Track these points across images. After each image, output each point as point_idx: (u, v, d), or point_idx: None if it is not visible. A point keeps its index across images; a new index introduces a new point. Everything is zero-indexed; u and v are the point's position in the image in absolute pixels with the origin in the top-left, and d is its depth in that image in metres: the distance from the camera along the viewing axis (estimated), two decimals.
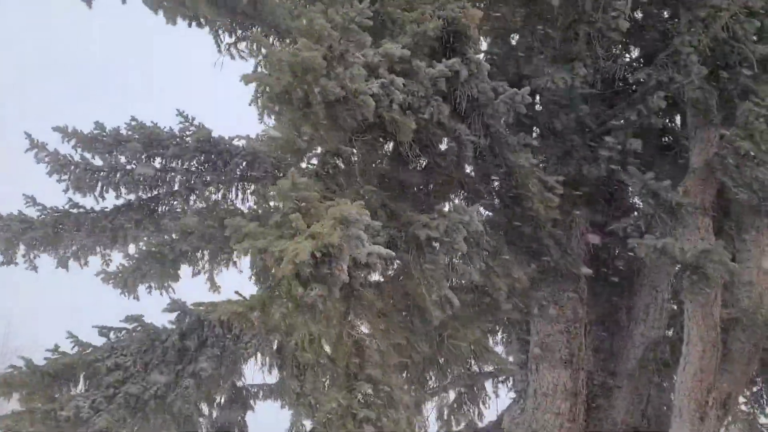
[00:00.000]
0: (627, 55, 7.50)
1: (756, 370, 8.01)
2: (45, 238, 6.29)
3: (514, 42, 7.91)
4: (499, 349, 8.78)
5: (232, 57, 5.60)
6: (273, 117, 5.66)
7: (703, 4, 6.04)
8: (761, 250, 6.64)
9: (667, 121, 7.60)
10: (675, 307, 7.69)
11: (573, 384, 7.09)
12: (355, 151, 6.22)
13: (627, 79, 6.87)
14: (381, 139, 6.24)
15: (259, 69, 5.63)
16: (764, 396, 8.53)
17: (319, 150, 6.45)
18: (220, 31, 5.54)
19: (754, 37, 6.05)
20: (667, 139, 7.64)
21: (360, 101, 4.75)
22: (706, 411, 6.45)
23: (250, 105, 5.25)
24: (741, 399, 8.36)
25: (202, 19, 5.30)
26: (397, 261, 6.16)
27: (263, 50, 4.55)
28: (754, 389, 8.58)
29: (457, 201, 8.66)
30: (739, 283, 6.63)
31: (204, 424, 7.03)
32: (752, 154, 6.20)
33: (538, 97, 7.36)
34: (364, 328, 5.66)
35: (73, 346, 5.98)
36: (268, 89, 4.61)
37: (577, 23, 6.47)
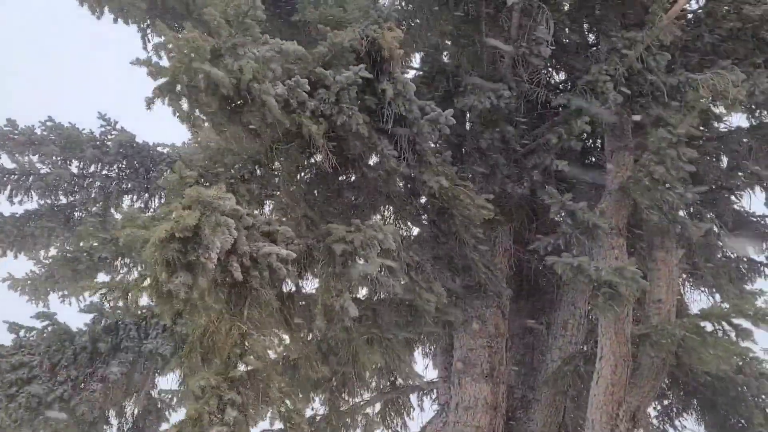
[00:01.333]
0: (551, 79, 7.76)
1: (667, 384, 8.43)
2: None
3: (445, 59, 8.10)
4: (425, 362, 8.89)
5: (159, 57, 5.47)
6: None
7: (619, 36, 6.32)
8: (669, 269, 6.97)
9: (590, 143, 7.90)
10: (588, 323, 7.94)
11: (493, 397, 7.23)
12: (278, 161, 6.22)
13: (548, 102, 7.10)
14: (304, 151, 6.22)
15: None
16: (674, 409, 8.92)
17: None
18: (149, 30, 5.40)
19: (665, 69, 6.36)
20: (589, 160, 7.94)
21: (261, 101, 4.72)
22: (616, 423, 6.70)
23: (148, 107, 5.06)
24: (652, 413, 8.76)
25: (129, 18, 5.14)
26: (316, 269, 6.18)
27: (162, 39, 4.42)
28: (665, 402, 8.97)
29: (386, 214, 8.81)
30: (650, 300, 6.94)
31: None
32: (663, 178, 6.51)
33: (468, 116, 7.55)
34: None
35: None
36: (157, 77, 4.53)
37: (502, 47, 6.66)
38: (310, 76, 5.67)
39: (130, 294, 4.49)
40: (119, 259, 7.26)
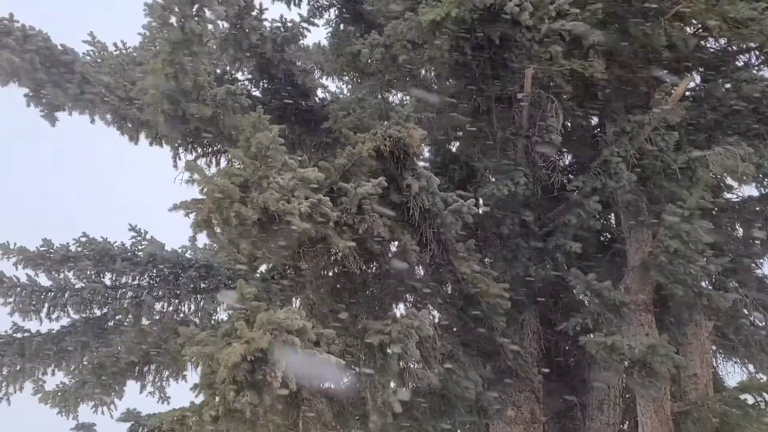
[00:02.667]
0: (561, 162, 8.02)
1: None
2: None
3: (454, 149, 8.42)
4: None
5: (191, 178, 5.76)
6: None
7: (627, 119, 6.62)
8: (701, 342, 6.96)
9: (604, 221, 8.05)
10: (626, 404, 7.82)
11: None
12: (302, 263, 6.39)
13: (563, 184, 7.32)
14: (327, 251, 6.39)
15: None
16: None
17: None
18: (180, 149, 5.70)
19: (674, 147, 6.62)
20: (604, 237, 8.07)
21: (286, 221, 4.96)
22: None
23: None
24: None
25: (162, 138, 5.47)
26: (355, 368, 6.18)
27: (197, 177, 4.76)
28: None
29: (407, 304, 8.86)
30: (685, 375, 6.88)
31: None
32: (682, 252, 6.62)
33: (482, 202, 7.75)
34: None
35: None
36: (195, 215, 4.81)
37: (515, 137, 6.95)
38: (333, 185, 5.96)
39: (195, 418, 4.47)
40: (147, 366, 7.28)
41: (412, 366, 6.30)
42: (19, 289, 6.24)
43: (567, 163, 8.14)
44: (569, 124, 7.91)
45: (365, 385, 5.56)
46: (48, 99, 5.89)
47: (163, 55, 5.02)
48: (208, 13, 4.98)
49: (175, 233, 7.07)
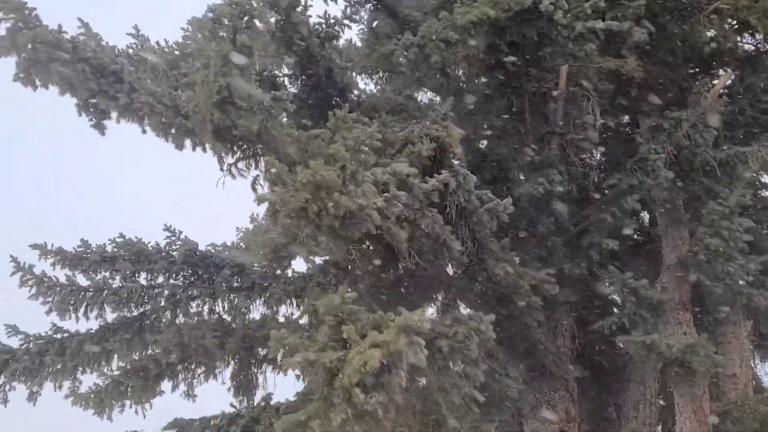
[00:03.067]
0: (595, 160, 7.96)
1: None
2: (27, 368, 6.03)
3: (485, 148, 8.38)
4: None
5: (233, 177, 5.78)
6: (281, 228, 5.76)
7: (664, 116, 6.55)
8: (740, 342, 6.88)
9: (638, 219, 7.98)
10: (663, 403, 7.75)
11: None
12: (353, 259, 6.38)
13: (598, 182, 7.26)
14: (374, 248, 6.38)
15: (258, 186, 5.84)
16: None
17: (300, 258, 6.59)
18: (223, 154, 5.74)
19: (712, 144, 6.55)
20: (640, 236, 8.00)
21: (365, 215, 4.94)
22: None
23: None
24: None
25: (207, 145, 5.51)
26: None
27: (272, 170, 4.75)
28: None
29: (440, 302, 8.84)
30: (724, 375, 6.80)
31: None
32: (722, 250, 6.54)
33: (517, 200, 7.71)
34: None
35: None
36: (284, 207, 4.77)
37: (549, 135, 6.90)
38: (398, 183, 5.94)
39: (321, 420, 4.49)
40: (185, 363, 7.30)
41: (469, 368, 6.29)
42: (58, 288, 6.31)
43: (601, 161, 8.07)
44: (604, 122, 7.83)
45: (433, 390, 5.52)
46: (99, 108, 5.93)
47: (215, 68, 5.02)
48: (258, 24, 4.98)
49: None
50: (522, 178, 7.33)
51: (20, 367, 6.02)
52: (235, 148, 5.58)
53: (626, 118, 8.38)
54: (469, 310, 7.79)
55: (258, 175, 5.86)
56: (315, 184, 4.60)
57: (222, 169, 5.70)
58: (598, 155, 8.14)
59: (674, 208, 7.10)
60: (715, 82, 6.54)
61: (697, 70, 7.25)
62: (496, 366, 6.36)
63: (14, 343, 6.23)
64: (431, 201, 5.83)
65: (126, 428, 6.65)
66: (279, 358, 4.44)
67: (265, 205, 4.94)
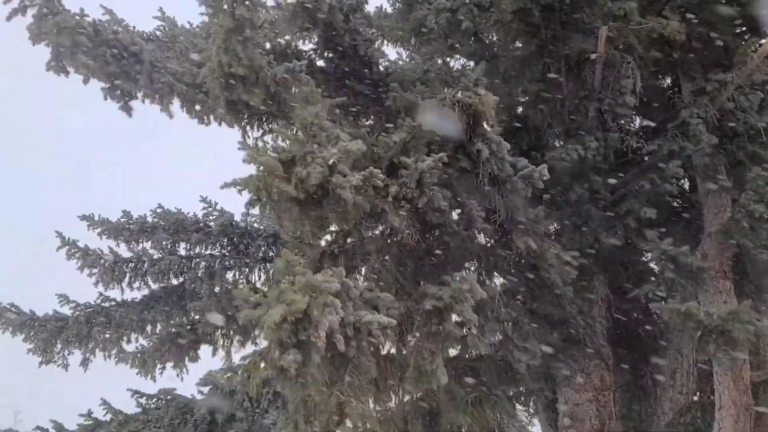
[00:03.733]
0: (633, 125, 7.74)
1: None
2: (79, 335, 6.31)
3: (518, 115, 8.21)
4: (526, 419, 8.66)
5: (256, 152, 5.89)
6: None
7: (707, 79, 6.31)
8: None
9: (679, 186, 7.77)
10: (701, 372, 7.64)
11: None
12: (364, 234, 6.43)
13: (636, 148, 7.06)
14: (387, 223, 6.39)
15: None
16: None
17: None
18: (248, 128, 5.81)
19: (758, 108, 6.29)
20: (678, 204, 7.80)
21: (339, 197, 5.00)
22: None
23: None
24: None
25: (233, 123, 5.60)
26: (417, 334, 6.24)
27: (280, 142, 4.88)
28: None
29: (473, 272, 8.82)
30: (765, 344, 6.66)
31: None
32: (766, 216, 6.34)
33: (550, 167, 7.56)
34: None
35: (106, 413, 6.01)
36: (247, 192, 4.92)
37: (586, 100, 6.72)
38: (394, 160, 5.93)
39: (247, 373, 4.70)
40: (219, 331, 7.51)
41: (473, 332, 6.34)
42: (103, 260, 6.51)
43: (640, 126, 7.84)
44: (644, 86, 7.58)
45: (413, 352, 5.62)
46: (122, 90, 6.03)
47: (218, 42, 5.10)
48: None
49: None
50: (558, 146, 7.18)
51: (72, 334, 6.31)
52: (259, 123, 5.62)
53: (668, 82, 8.10)
54: (501, 279, 7.78)
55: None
56: (261, 169, 4.67)
57: (243, 142, 5.75)
58: (638, 121, 7.91)
59: (716, 174, 6.89)
60: (763, 42, 6.23)
61: (744, 29, 6.92)
62: (515, 336, 6.33)
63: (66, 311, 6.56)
64: (460, 168, 5.80)
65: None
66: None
67: None
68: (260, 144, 5.60)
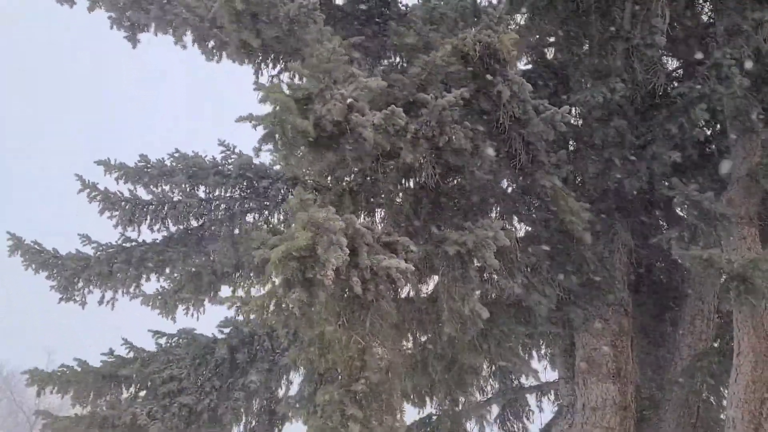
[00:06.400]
0: (665, 67, 7.45)
1: None
2: (101, 274, 6.45)
3: (549, 57, 7.95)
4: (542, 364, 8.78)
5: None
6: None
7: (744, 16, 6.00)
8: None
9: (708, 130, 7.53)
10: (717, 318, 7.60)
11: (622, 397, 7.05)
12: (380, 176, 6.37)
13: (665, 91, 6.82)
14: (405, 164, 6.30)
15: None
16: None
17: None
18: (262, 65, 5.70)
19: None
20: (707, 149, 7.58)
21: (359, 135, 4.89)
22: (760, 422, 6.38)
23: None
24: None
25: (246, 60, 5.49)
26: (435, 277, 6.26)
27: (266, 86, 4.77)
28: None
29: (493, 216, 8.75)
30: None
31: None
32: None
33: (574, 112, 7.37)
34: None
35: (128, 351, 6.19)
36: (261, 128, 4.85)
37: (614, 39, 6.46)
38: (410, 98, 5.79)
39: (257, 308, 4.74)
40: (238, 272, 7.61)
41: (494, 276, 6.34)
42: (123, 203, 6.58)
43: (671, 69, 7.54)
44: (675, 25, 7.26)
45: (443, 295, 5.62)
46: (131, 21, 5.92)
47: None
48: None
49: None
50: (584, 88, 6.95)
51: (94, 273, 6.46)
52: (275, 61, 5.51)
53: (701, 20, 7.73)
54: (522, 224, 7.72)
55: None
56: (276, 106, 4.57)
57: (257, 81, 5.65)
58: (670, 62, 7.62)
59: (747, 118, 6.64)
60: None
61: None
62: (535, 281, 6.31)
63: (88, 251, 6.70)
64: (480, 111, 5.67)
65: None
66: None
67: None
68: (275, 82, 5.48)
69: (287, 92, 4.97)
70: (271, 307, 4.79)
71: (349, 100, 5.11)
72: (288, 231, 5.03)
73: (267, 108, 4.98)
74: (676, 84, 6.65)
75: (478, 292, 6.58)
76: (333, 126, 5.12)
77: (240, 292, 7.05)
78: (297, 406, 7.64)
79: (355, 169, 6.34)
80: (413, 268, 5.44)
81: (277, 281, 4.63)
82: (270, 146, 5.17)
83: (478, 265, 5.96)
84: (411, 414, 8.56)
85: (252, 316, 5.10)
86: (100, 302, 6.69)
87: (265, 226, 7.46)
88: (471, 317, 5.80)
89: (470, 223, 6.02)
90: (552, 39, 7.28)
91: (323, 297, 4.65)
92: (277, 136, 5.04)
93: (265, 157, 7.40)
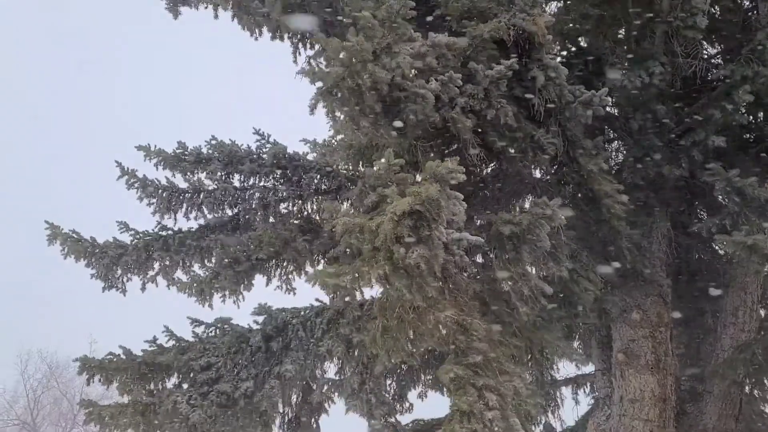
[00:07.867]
0: (705, 52, 7.26)
1: None
2: (138, 261, 6.57)
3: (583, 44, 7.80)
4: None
5: (314, 67, 5.73)
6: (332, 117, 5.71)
7: None
8: None
9: (750, 115, 7.31)
10: (765, 309, 7.38)
11: (661, 390, 6.89)
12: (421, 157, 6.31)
13: (705, 76, 6.64)
14: (447, 147, 6.24)
15: None
16: None
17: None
18: (300, 45, 5.68)
19: None
20: (749, 135, 7.36)
21: (419, 96, 4.78)
22: None
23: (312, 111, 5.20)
24: None
25: (284, 34, 5.46)
26: (480, 260, 6.16)
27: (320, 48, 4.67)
28: None
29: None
30: None
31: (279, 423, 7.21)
32: None
33: (610, 100, 7.22)
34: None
35: (168, 340, 6.29)
36: (321, 83, 4.71)
37: (653, 22, 6.32)
38: (456, 71, 5.71)
39: (359, 275, 4.51)
40: (273, 260, 7.64)
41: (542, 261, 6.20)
42: (160, 191, 6.70)
43: (711, 53, 7.34)
44: (717, 6, 7.07)
45: (505, 280, 5.51)
46: None
47: None
48: None
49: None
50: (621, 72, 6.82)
51: (132, 260, 6.59)
52: (313, 40, 5.47)
53: (742, 4, 7.51)
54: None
55: None
56: (347, 54, 4.42)
57: (295, 61, 5.63)
58: (710, 46, 7.42)
59: None
60: None
61: None
62: (578, 267, 6.20)
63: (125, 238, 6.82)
64: (513, 96, 5.59)
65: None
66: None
67: None
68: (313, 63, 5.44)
69: (361, 44, 4.73)
70: (386, 270, 4.41)
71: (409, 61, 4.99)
72: (368, 198, 4.89)
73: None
74: (715, 70, 6.44)
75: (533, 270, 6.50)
76: (393, 88, 4.99)
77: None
78: (347, 398, 7.60)
79: (413, 139, 6.16)
80: (482, 240, 5.38)
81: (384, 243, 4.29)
82: (323, 105, 4.98)
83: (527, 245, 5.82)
84: (414, 413, 8.55)
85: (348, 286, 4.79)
86: (142, 289, 6.80)
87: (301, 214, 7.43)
88: (532, 296, 5.71)
89: (522, 204, 5.87)
90: (587, 26, 7.12)
91: (441, 256, 4.55)
92: (340, 91, 4.83)
93: (300, 147, 7.46)
